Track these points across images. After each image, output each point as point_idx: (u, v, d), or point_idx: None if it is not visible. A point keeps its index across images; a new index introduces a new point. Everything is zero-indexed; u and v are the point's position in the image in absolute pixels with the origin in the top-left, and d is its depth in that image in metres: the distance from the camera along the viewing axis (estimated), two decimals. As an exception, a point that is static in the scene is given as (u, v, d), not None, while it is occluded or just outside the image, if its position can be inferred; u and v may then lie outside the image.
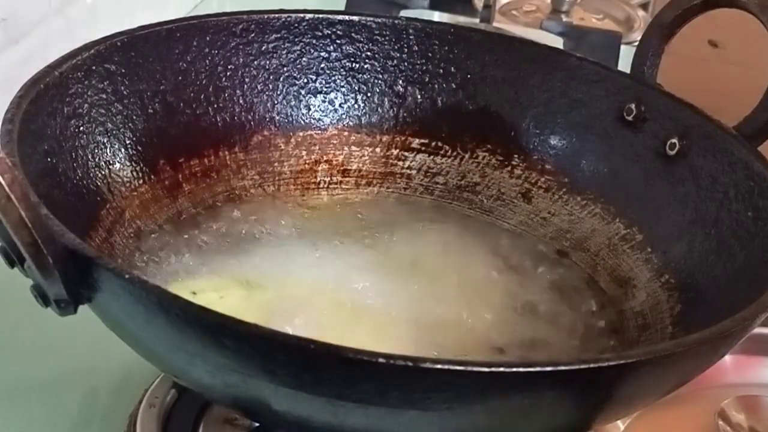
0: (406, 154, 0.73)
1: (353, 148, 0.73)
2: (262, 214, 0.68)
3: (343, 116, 0.73)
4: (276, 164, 0.71)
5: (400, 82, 0.73)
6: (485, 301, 0.63)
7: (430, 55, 0.73)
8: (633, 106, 0.69)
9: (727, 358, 0.66)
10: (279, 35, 0.71)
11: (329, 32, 0.72)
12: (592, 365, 0.46)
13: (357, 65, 0.72)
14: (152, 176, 0.65)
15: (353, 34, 0.72)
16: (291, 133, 0.72)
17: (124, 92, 0.64)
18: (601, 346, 0.61)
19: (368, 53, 0.73)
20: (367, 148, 0.73)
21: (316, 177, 0.72)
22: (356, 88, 0.73)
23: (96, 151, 0.62)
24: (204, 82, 0.68)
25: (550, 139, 0.72)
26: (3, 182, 0.44)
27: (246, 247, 0.64)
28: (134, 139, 0.64)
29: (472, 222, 0.71)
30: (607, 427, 0.62)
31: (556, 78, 0.72)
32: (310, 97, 0.72)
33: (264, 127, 0.71)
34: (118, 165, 0.63)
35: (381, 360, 0.43)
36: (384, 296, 0.61)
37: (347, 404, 0.45)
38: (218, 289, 0.59)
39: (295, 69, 0.71)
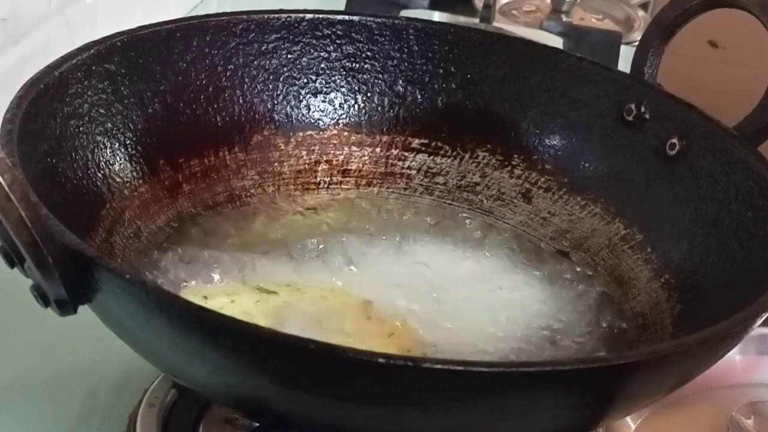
0: (406, 154, 0.73)
1: (353, 148, 0.73)
2: (265, 215, 0.68)
3: (343, 116, 0.73)
4: (276, 164, 0.71)
5: (400, 82, 0.73)
6: (488, 301, 0.63)
7: (430, 55, 0.73)
8: (633, 106, 0.69)
9: (738, 358, 0.66)
10: (279, 35, 0.71)
11: (329, 32, 0.72)
12: (592, 365, 0.46)
13: (357, 65, 0.72)
14: (152, 176, 0.65)
15: (353, 34, 0.72)
16: (291, 133, 0.72)
17: (124, 92, 0.64)
18: (601, 347, 0.61)
19: (368, 53, 0.72)
20: (367, 148, 0.73)
21: (316, 177, 0.72)
22: (356, 88, 0.73)
23: (96, 151, 0.62)
24: (204, 82, 0.68)
25: (550, 139, 0.72)
26: (3, 182, 0.44)
27: (252, 250, 0.64)
28: (134, 139, 0.64)
29: (472, 222, 0.71)
30: (619, 428, 0.62)
31: (556, 78, 0.72)
32: (310, 97, 0.72)
33: (264, 127, 0.71)
34: (118, 165, 0.63)
35: (381, 360, 0.43)
36: (395, 301, 0.61)
37: (347, 404, 0.45)
38: (230, 293, 0.59)
39: (295, 69, 0.71)
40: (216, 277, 0.61)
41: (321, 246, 0.65)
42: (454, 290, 0.64)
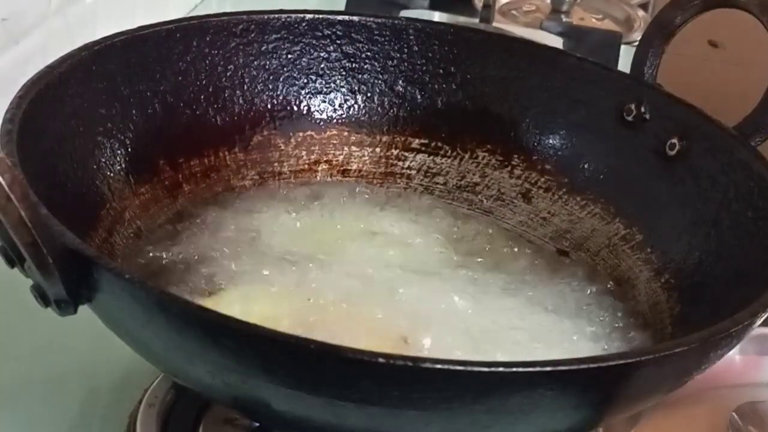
0: (406, 154, 0.73)
1: (353, 148, 0.73)
2: (267, 215, 0.68)
3: (343, 116, 0.73)
4: (276, 164, 0.71)
5: (400, 82, 0.73)
6: (488, 301, 0.63)
7: (430, 55, 0.73)
8: (633, 106, 0.69)
9: (738, 358, 0.66)
10: (279, 35, 0.71)
11: (329, 32, 0.72)
12: (591, 365, 0.46)
13: (357, 65, 0.72)
14: (152, 176, 0.65)
15: (353, 34, 0.72)
16: (291, 133, 0.72)
17: (124, 92, 0.64)
18: (600, 347, 0.61)
19: (368, 53, 0.72)
20: (367, 148, 0.73)
21: (316, 177, 0.72)
22: (356, 88, 0.73)
23: (96, 151, 0.62)
24: (204, 82, 0.68)
25: (550, 139, 0.72)
26: (3, 182, 0.44)
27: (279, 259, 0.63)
28: (134, 139, 0.64)
29: (472, 222, 0.71)
30: (618, 428, 0.62)
31: (556, 78, 0.72)
32: (310, 98, 0.72)
33: (264, 127, 0.71)
34: (118, 165, 0.63)
35: (381, 360, 0.43)
36: (436, 343, 0.58)
37: (347, 404, 0.45)
38: (278, 297, 0.58)
39: (295, 69, 0.71)
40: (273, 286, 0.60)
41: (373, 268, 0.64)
42: (468, 293, 0.63)
